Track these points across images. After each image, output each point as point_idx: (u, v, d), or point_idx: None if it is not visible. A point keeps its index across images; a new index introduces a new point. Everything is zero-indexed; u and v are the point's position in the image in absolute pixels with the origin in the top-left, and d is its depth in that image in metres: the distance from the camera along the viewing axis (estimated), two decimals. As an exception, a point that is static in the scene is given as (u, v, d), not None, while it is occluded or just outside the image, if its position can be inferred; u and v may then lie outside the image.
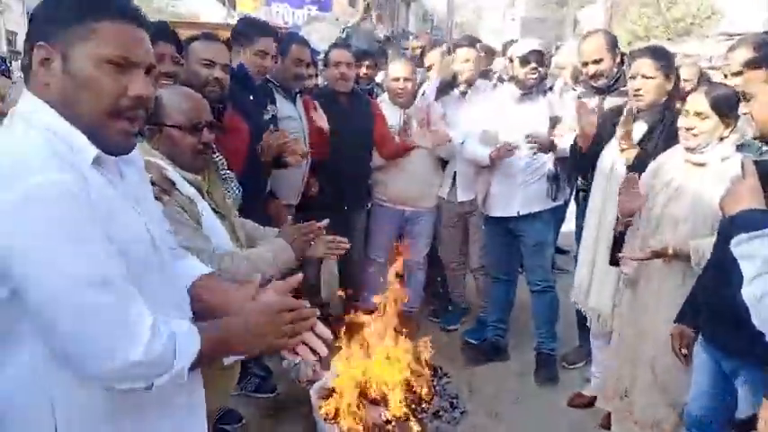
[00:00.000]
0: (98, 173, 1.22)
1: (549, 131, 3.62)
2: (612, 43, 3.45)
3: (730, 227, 2.02)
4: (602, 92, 3.50)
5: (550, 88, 3.80)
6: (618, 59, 3.49)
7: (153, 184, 1.72)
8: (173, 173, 1.96)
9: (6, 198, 1.08)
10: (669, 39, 23.40)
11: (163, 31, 2.53)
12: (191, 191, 2.00)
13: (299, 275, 1.58)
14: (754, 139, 2.20)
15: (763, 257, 1.46)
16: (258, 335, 1.37)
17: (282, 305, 1.41)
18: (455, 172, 4.12)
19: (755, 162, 1.59)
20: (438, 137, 3.91)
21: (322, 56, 4.76)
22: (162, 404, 1.34)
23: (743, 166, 1.60)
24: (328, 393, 2.82)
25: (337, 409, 2.69)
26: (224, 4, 15.92)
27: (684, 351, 2.40)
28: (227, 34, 3.50)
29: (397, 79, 4.01)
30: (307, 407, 2.96)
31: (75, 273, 1.11)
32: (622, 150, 3.00)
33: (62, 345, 1.14)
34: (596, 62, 3.43)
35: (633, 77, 3.01)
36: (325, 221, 2.36)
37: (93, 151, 1.22)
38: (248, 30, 3.34)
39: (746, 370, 2.11)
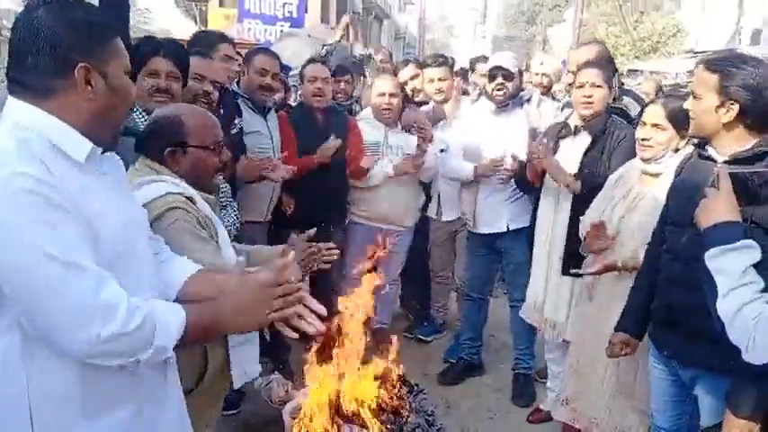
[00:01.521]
0: (79, 169, 1.31)
1: (529, 143, 3.61)
2: (603, 55, 3.49)
3: (681, 239, 2.08)
4: None
5: (528, 100, 3.80)
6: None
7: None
8: (192, 190, 1.94)
9: None
10: (636, 56, 24.00)
11: (158, 48, 2.52)
12: (207, 209, 1.98)
13: (291, 255, 1.61)
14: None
15: (737, 271, 1.45)
16: (246, 310, 1.41)
17: (268, 280, 1.42)
18: (439, 193, 4.11)
19: (729, 173, 1.57)
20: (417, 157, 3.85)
21: (294, 71, 4.73)
22: (138, 395, 1.41)
23: (717, 177, 1.58)
24: (301, 413, 2.75)
25: (309, 429, 2.62)
26: (195, 22, 15.88)
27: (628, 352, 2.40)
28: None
29: (382, 95, 3.95)
30: (278, 427, 2.89)
31: (44, 254, 1.19)
32: (568, 186, 3.10)
33: (37, 323, 1.24)
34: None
35: (581, 86, 3.11)
36: (312, 231, 2.33)
37: (87, 146, 1.33)
38: (206, 39, 3.41)
39: (705, 379, 2.12)
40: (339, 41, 6.59)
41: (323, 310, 1.53)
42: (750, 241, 1.49)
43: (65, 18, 1.31)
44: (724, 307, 1.46)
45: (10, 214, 1.18)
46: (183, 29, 12.18)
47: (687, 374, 2.19)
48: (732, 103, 1.95)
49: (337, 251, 2.40)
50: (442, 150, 3.93)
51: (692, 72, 3.27)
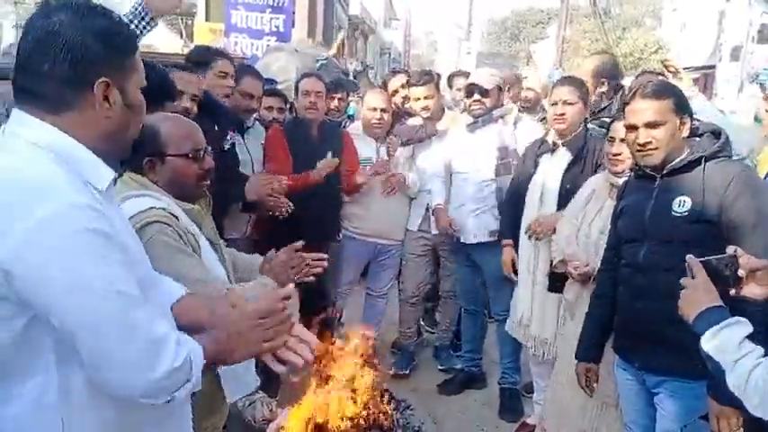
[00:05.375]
0: (103, 198, 1.24)
1: (498, 161, 3.61)
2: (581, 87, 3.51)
3: (640, 253, 2.21)
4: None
5: (501, 117, 3.74)
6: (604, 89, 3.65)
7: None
8: (175, 207, 1.89)
9: (23, 226, 1.09)
10: (618, 72, 24.34)
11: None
12: (190, 225, 1.93)
13: (290, 287, 1.55)
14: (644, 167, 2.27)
15: (735, 344, 1.49)
16: (243, 340, 1.35)
17: (261, 311, 1.37)
18: (427, 204, 4.06)
19: (701, 262, 1.63)
20: (394, 182, 3.89)
21: (280, 86, 4.70)
22: (159, 425, 1.37)
23: (689, 268, 1.64)
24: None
25: (295, 448, 2.57)
26: (181, 36, 15.84)
27: (594, 385, 2.53)
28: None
29: (373, 109, 3.94)
30: (263, 446, 2.84)
31: (105, 291, 1.13)
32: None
33: (97, 364, 1.15)
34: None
35: (555, 104, 3.16)
36: (300, 243, 2.29)
37: (110, 174, 1.26)
38: (204, 55, 3.36)
39: (670, 383, 2.20)
40: (334, 56, 6.57)
41: (314, 340, 1.48)
42: (738, 318, 1.54)
43: (91, 25, 1.20)
44: (733, 381, 1.49)
45: (76, 255, 1.11)
46: (168, 43, 12.16)
47: (653, 380, 2.28)
48: (686, 117, 2.15)
49: (324, 263, 2.32)
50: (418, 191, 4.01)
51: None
